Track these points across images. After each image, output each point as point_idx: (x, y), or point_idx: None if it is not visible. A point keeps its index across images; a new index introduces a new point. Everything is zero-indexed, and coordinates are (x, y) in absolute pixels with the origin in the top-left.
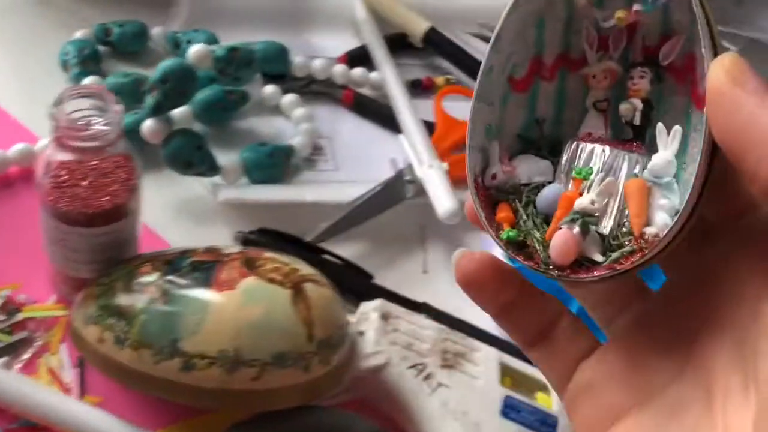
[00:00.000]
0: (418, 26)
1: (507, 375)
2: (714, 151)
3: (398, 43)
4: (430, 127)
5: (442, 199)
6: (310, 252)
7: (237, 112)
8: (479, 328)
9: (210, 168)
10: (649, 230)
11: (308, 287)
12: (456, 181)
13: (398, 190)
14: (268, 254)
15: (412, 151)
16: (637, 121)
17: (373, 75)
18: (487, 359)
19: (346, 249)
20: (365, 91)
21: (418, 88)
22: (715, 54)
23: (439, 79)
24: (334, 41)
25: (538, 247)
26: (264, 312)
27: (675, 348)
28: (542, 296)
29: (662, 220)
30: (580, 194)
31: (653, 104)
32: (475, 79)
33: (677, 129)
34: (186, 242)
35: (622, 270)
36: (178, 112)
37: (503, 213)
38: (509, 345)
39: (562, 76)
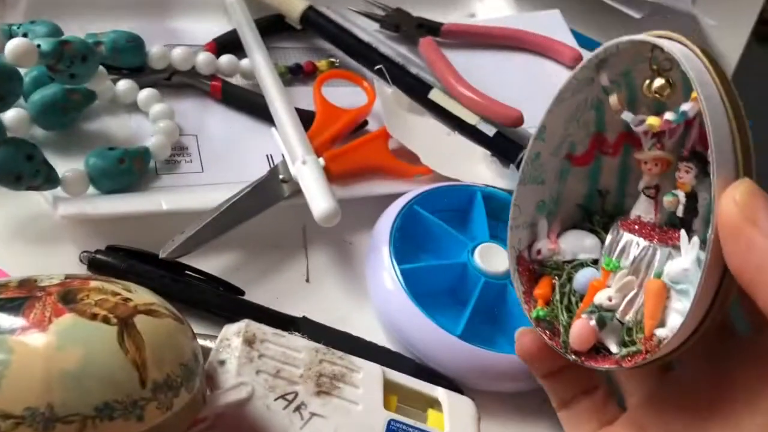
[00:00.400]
0: (295, 6)
1: (393, 393)
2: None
3: (275, 26)
4: (312, 116)
5: (318, 199)
6: (168, 270)
7: (83, 113)
8: (364, 340)
9: (47, 180)
10: (659, 332)
11: (140, 321)
12: (337, 177)
13: (273, 191)
14: (95, 283)
15: (285, 146)
16: (680, 213)
17: (244, 62)
18: (369, 379)
19: (215, 262)
20: (236, 80)
21: (298, 74)
22: (743, 170)
23: (322, 63)
24: (203, 27)
25: (561, 330)
26: (83, 356)
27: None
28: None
29: (675, 322)
30: (607, 286)
31: (701, 197)
32: (359, 60)
33: (695, 240)
34: (26, 268)
35: (626, 368)
36: (10, 117)
37: (541, 289)
38: (399, 357)
39: (627, 152)
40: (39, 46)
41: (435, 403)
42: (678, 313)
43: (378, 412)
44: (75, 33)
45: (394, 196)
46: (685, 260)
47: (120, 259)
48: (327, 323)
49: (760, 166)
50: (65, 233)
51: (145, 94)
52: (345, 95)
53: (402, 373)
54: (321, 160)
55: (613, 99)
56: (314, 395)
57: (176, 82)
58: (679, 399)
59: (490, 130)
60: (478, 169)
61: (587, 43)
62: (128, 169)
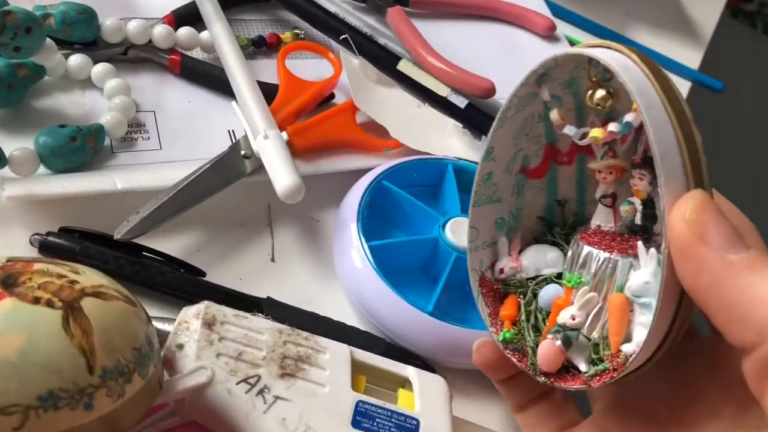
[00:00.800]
0: None
1: (362, 374)
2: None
3: None
4: (276, 90)
5: (280, 174)
6: (125, 252)
7: (31, 89)
8: (332, 320)
9: None
10: (626, 348)
11: (88, 304)
12: (301, 152)
13: (234, 167)
14: (39, 265)
15: (246, 120)
16: (638, 221)
17: (204, 35)
18: (335, 360)
19: (175, 242)
20: (196, 54)
21: (261, 47)
22: (695, 180)
23: (287, 35)
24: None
25: (529, 352)
26: (24, 343)
27: None
28: None
29: (641, 337)
30: (571, 302)
31: (655, 202)
32: (324, 31)
33: (653, 252)
34: None
35: (595, 387)
36: None
37: (507, 310)
38: (368, 336)
39: (581, 159)
40: None
41: (406, 383)
42: (643, 327)
43: (346, 393)
44: (23, 5)
45: (363, 171)
46: (644, 273)
47: (73, 241)
48: (293, 304)
49: (735, 135)
50: (14, 215)
51: (99, 69)
52: (310, 67)
53: (372, 353)
54: (284, 135)
55: (554, 115)
56: (278, 378)
57: (132, 56)
58: (642, 404)
59: (461, 102)
60: (449, 141)
61: (561, 13)
62: (81, 148)
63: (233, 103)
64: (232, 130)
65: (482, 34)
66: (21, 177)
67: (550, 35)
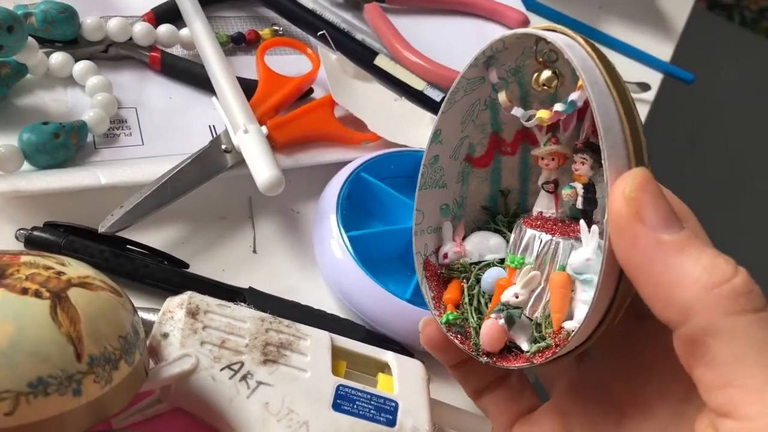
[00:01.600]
0: None
1: (342, 359)
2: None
3: None
4: (255, 85)
5: (261, 167)
6: (110, 245)
7: (14, 87)
8: (313, 308)
9: None
10: (568, 325)
11: (75, 294)
12: (281, 146)
13: (215, 161)
14: (26, 258)
15: (226, 115)
16: (579, 205)
17: (183, 32)
18: (316, 346)
19: (159, 235)
20: (176, 51)
21: (240, 43)
22: (636, 157)
23: (265, 31)
24: None
25: (472, 333)
26: (13, 332)
27: (601, 420)
28: None
29: (581, 314)
30: (514, 283)
31: (597, 187)
32: (302, 27)
33: (595, 229)
34: None
35: (538, 364)
36: None
37: (450, 293)
38: (349, 324)
39: (525, 150)
40: None
41: (385, 367)
42: (584, 304)
43: (326, 378)
44: (4, 4)
45: (341, 164)
46: (586, 250)
47: (58, 236)
48: (276, 293)
49: (710, 127)
50: (0, 211)
51: (81, 66)
52: (289, 63)
53: (353, 339)
54: (264, 129)
55: (502, 96)
56: (261, 364)
57: (113, 54)
58: (598, 385)
59: (437, 95)
60: (425, 134)
61: (535, 7)
62: (64, 144)
63: (213, 98)
64: (213, 126)
65: (457, 29)
66: (5, 174)
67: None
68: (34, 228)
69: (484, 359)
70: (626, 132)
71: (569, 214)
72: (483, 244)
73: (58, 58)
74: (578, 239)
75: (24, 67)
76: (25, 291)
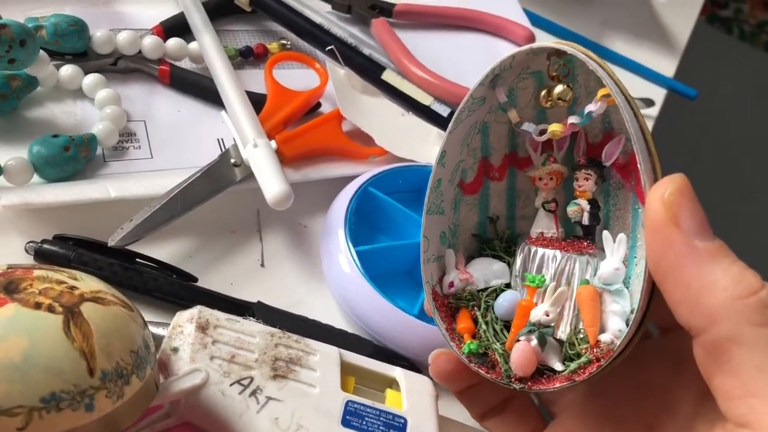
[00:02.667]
0: None
1: (351, 375)
2: None
3: (224, 9)
4: (264, 99)
5: (270, 182)
6: (119, 258)
7: (25, 100)
8: (321, 323)
9: None
10: (604, 338)
11: (87, 309)
12: (290, 160)
13: (224, 175)
14: (39, 272)
15: (236, 129)
16: (585, 221)
17: (192, 45)
18: (325, 362)
19: (167, 249)
20: (184, 64)
21: (249, 57)
22: (653, 165)
23: (273, 45)
24: (149, 10)
25: (500, 360)
26: (27, 346)
27: None
28: None
29: (615, 325)
30: (535, 303)
31: (600, 202)
32: (310, 41)
33: (622, 237)
34: None
35: (580, 380)
36: None
37: (463, 323)
38: (356, 339)
39: (512, 174)
40: None
41: (393, 383)
42: (616, 315)
43: (335, 393)
44: (14, 17)
45: (349, 179)
46: (614, 260)
47: (68, 249)
48: (283, 307)
49: (711, 141)
50: (9, 224)
51: (90, 79)
52: (297, 77)
53: (360, 354)
54: (273, 143)
55: (512, 113)
56: (270, 379)
57: (122, 67)
58: (607, 405)
59: (443, 110)
60: (432, 149)
61: (540, 22)
62: (74, 157)
63: (223, 112)
64: (221, 139)
65: (463, 44)
66: (15, 186)
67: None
68: (44, 241)
69: (518, 386)
70: (648, 140)
71: (569, 234)
72: (487, 270)
73: (68, 70)
74: (591, 255)
75: (35, 79)
76: (38, 306)
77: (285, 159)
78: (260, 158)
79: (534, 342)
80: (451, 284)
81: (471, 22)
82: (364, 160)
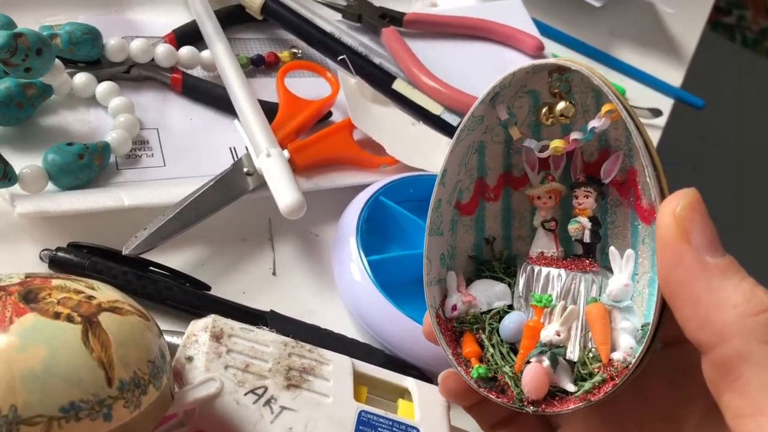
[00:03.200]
0: None
1: (363, 385)
2: None
3: (235, 17)
4: (275, 108)
5: (283, 191)
6: (132, 266)
7: (40, 109)
8: (333, 332)
9: (4, 177)
10: (616, 356)
11: (105, 319)
12: (301, 169)
13: (237, 184)
14: (57, 281)
15: (248, 138)
16: (587, 239)
17: (205, 54)
18: (338, 371)
19: (180, 257)
20: (197, 72)
21: (260, 65)
22: (659, 179)
23: (284, 54)
24: (161, 19)
25: (510, 383)
26: (46, 356)
27: None
28: None
29: (626, 342)
30: (543, 324)
31: (600, 219)
32: (321, 50)
33: (630, 253)
34: None
35: (596, 400)
36: None
37: (469, 347)
38: (368, 348)
39: (507, 194)
40: None
41: (405, 393)
42: (627, 333)
43: (348, 403)
44: (29, 25)
45: (360, 188)
46: (622, 276)
47: (82, 257)
48: (295, 316)
49: (713, 151)
50: (24, 231)
51: (104, 87)
52: (308, 86)
53: (372, 364)
54: (286, 153)
55: (514, 130)
56: (284, 389)
57: (135, 74)
58: (608, 417)
59: (454, 120)
60: (442, 158)
61: (549, 32)
62: (88, 165)
63: (235, 121)
64: (234, 147)
65: (473, 53)
66: (30, 194)
67: (538, 55)
68: (59, 248)
69: (531, 409)
70: (653, 155)
71: (569, 253)
72: (489, 292)
73: (81, 78)
74: (595, 273)
75: (50, 88)
76: (57, 315)
77: (297, 168)
78: (274, 168)
79: (546, 363)
80: (454, 307)
81: (480, 31)
82: (375, 170)
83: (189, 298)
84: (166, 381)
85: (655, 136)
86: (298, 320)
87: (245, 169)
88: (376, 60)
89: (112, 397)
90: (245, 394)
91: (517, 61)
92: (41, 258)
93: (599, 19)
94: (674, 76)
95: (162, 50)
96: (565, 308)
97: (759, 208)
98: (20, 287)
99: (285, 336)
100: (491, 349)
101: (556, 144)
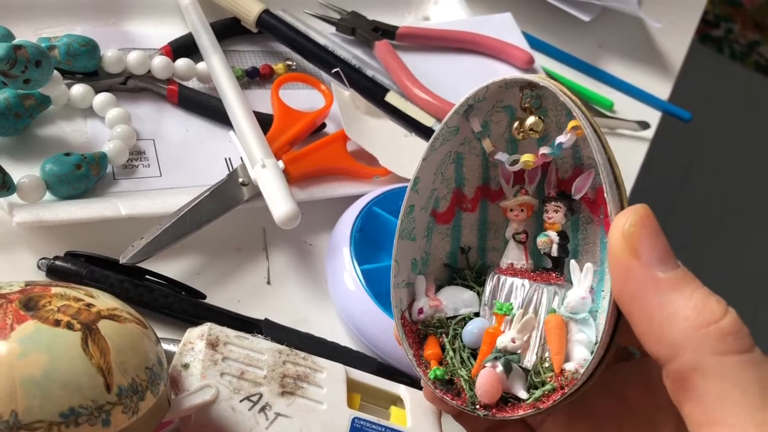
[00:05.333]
0: (250, 9)
1: (357, 392)
2: None
3: (231, 29)
4: (270, 119)
5: (278, 202)
6: (129, 275)
7: (37, 119)
8: (326, 341)
9: (3, 186)
10: (569, 366)
11: (104, 326)
12: (296, 179)
13: (232, 194)
14: (57, 289)
15: (244, 149)
16: (554, 253)
17: (201, 65)
18: (332, 379)
19: (175, 266)
20: (193, 84)
21: (255, 77)
22: (620, 196)
23: (279, 66)
24: (157, 31)
25: (465, 387)
26: (47, 363)
27: None
28: None
29: (580, 354)
30: (503, 331)
31: (569, 235)
32: (315, 63)
33: (588, 266)
34: None
35: (545, 408)
36: None
37: (430, 349)
38: (361, 357)
39: (484, 206)
40: None
41: (397, 400)
42: (581, 345)
43: (342, 410)
44: (26, 37)
45: (354, 198)
46: (581, 289)
47: (79, 265)
48: (289, 325)
49: (700, 163)
50: (22, 240)
51: (101, 98)
52: (302, 98)
53: (365, 372)
54: (280, 163)
55: (486, 143)
56: (279, 396)
57: (131, 86)
58: (588, 425)
59: None
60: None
61: (539, 45)
62: (85, 175)
63: (231, 133)
64: (229, 158)
65: (465, 66)
66: (28, 203)
67: (529, 68)
68: (56, 257)
69: (482, 412)
70: (616, 171)
71: (538, 266)
72: (457, 298)
73: (78, 89)
74: (559, 286)
75: (47, 98)
76: (57, 323)
77: (291, 178)
78: (269, 179)
79: (499, 368)
80: (421, 311)
81: (472, 45)
82: (369, 180)
83: (185, 306)
84: (164, 387)
85: (642, 149)
86: (292, 328)
87: (240, 180)
88: (369, 72)
89: (110, 403)
90: (240, 401)
91: (508, 74)
92: (39, 266)
93: (588, 33)
94: (662, 89)
95: (158, 62)
96: (523, 317)
97: (746, 219)
98: (20, 295)
99: (279, 344)
100: (451, 353)
101: (526, 158)
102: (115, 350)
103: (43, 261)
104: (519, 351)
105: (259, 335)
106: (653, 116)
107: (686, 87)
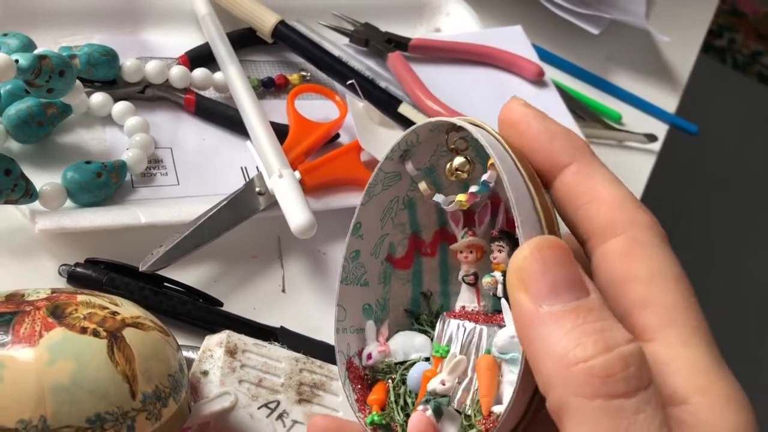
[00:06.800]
0: (266, 20)
1: None
2: None
3: (247, 40)
4: (285, 129)
5: (294, 211)
6: (148, 282)
7: (59, 127)
8: None
9: (25, 194)
10: (497, 409)
11: (129, 334)
12: (311, 189)
13: (249, 203)
14: (82, 297)
15: (261, 159)
16: (499, 293)
17: (217, 75)
18: None
19: (192, 274)
20: (209, 93)
21: (270, 87)
22: (543, 230)
23: (294, 77)
24: (175, 40)
25: (399, 431)
26: (74, 369)
27: None
28: None
29: (510, 396)
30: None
31: None
32: (329, 74)
33: None
34: (4, 282)
35: None
36: None
37: (375, 395)
38: None
39: (444, 250)
40: (17, 61)
41: None
42: (511, 385)
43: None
44: (48, 46)
45: None
46: (510, 328)
47: (100, 272)
48: (303, 332)
49: (708, 172)
50: (43, 247)
51: (120, 107)
52: (317, 108)
53: None
54: (297, 174)
55: (423, 185)
56: (296, 403)
57: (149, 95)
58: None
59: None
60: None
61: (548, 58)
62: (105, 183)
63: (248, 142)
64: (245, 167)
65: (476, 78)
66: (49, 210)
67: (539, 80)
68: (77, 264)
69: None
70: (537, 205)
71: (492, 307)
72: (408, 344)
73: (98, 98)
74: (500, 326)
75: (68, 107)
76: (84, 330)
77: (306, 188)
78: (286, 189)
79: (429, 412)
80: (369, 356)
81: (483, 57)
82: None
83: (203, 313)
84: (185, 394)
85: (650, 161)
86: (308, 337)
87: (257, 189)
88: (382, 84)
89: (135, 409)
90: (258, 408)
91: (518, 87)
92: (60, 273)
93: (597, 46)
94: (669, 102)
95: (176, 71)
96: (453, 358)
97: (752, 231)
98: (47, 302)
99: (296, 352)
100: (393, 397)
101: (460, 198)
102: (140, 358)
103: (63, 267)
104: (449, 393)
105: (276, 343)
106: (661, 129)
107: (691, 99)
